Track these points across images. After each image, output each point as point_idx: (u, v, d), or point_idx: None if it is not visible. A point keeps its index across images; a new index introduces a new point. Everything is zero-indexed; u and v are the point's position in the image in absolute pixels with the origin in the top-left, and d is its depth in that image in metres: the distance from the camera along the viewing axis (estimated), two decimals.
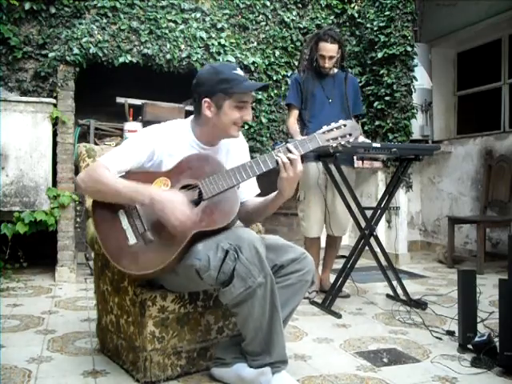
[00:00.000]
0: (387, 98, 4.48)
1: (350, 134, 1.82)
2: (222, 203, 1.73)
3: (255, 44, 4.47)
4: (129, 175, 1.79)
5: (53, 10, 3.87)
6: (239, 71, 1.83)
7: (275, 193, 1.85)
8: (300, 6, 4.70)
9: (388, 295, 3.26)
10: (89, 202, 2.22)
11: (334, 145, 1.82)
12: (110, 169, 1.75)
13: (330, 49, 3.20)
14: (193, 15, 4.11)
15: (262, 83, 1.87)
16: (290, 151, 1.75)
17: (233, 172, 1.75)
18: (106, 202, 1.76)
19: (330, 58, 3.22)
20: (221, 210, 1.73)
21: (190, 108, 4.29)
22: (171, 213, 1.65)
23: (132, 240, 1.72)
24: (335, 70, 3.36)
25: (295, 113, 3.34)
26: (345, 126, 1.83)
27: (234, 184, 1.74)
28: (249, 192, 1.97)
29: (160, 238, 1.71)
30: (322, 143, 1.80)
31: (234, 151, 1.97)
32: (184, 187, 1.77)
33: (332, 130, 1.82)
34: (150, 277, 1.79)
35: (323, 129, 1.84)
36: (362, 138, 3.25)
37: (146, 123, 3.97)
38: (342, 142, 1.82)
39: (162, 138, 1.85)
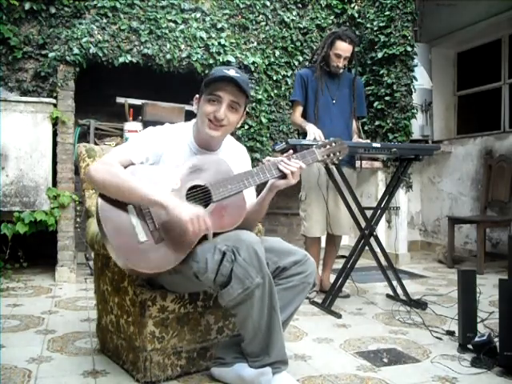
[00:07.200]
0: (387, 98, 4.48)
1: (340, 152, 1.96)
2: (230, 207, 1.75)
3: (255, 44, 4.47)
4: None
5: (53, 10, 3.88)
6: (230, 71, 1.78)
7: (265, 191, 1.86)
8: (300, 5, 4.70)
9: (388, 295, 3.26)
10: (89, 202, 2.22)
11: (328, 161, 1.95)
12: (122, 162, 1.73)
13: (347, 49, 3.20)
14: (193, 15, 4.10)
15: (234, 75, 1.74)
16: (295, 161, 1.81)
17: (241, 177, 1.77)
18: (116, 198, 1.69)
19: (345, 58, 3.22)
20: (230, 213, 1.74)
21: (190, 108, 4.29)
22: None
23: (142, 237, 1.65)
24: (341, 71, 3.35)
25: (300, 109, 3.32)
26: (335, 143, 1.96)
27: (242, 188, 1.76)
28: (249, 198, 1.95)
29: (170, 237, 1.67)
30: (320, 158, 1.91)
31: (234, 160, 1.92)
32: (193, 188, 1.75)
33: (325, 145, 1.94)
34: (154, 275, 1.76)
35: (319, 143, 1.97)
36: (361, 139, 3.27)
37: (146, 123, 3.97)
38: (334, 159, 1.95)
39: (166, 138, 1.85)
